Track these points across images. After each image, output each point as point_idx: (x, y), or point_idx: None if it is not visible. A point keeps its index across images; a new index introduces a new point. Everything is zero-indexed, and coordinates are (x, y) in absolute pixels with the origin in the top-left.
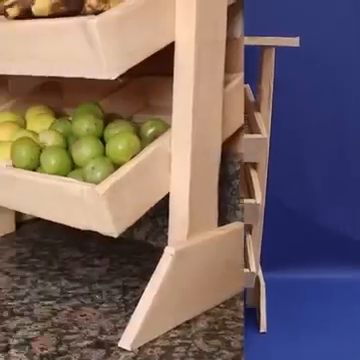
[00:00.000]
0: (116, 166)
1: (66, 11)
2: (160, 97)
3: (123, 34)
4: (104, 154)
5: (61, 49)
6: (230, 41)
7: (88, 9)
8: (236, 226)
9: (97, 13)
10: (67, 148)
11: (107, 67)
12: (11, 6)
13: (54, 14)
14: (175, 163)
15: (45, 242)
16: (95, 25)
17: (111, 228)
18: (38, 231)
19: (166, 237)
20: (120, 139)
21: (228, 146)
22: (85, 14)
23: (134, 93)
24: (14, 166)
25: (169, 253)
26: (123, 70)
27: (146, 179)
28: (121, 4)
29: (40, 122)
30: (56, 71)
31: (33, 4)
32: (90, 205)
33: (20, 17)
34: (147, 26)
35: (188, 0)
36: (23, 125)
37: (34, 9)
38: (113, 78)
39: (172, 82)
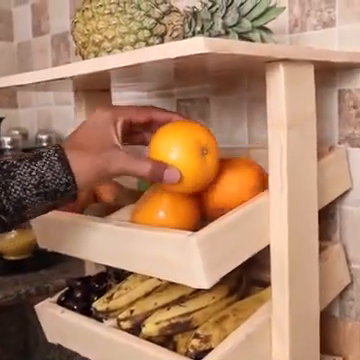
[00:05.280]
0: None
1: (173, 333)
2: None
3: None
4: None
5: None
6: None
7: (191, 351)
8: None
9: (198, 355)
10: None
11: None
12: (124, 320)
13: (160, 335)
14: None
15: None
16: None
17: None
18: None
19: None
20: None
21: None
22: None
23: None
24: None
25: None
26: None
27: None
28: (220, 345)
29: None
30: None
31: (144, 326)
32: None
33: (131, 330)
34: None
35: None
36: None
37: (144, 330)
38: None
39: None
